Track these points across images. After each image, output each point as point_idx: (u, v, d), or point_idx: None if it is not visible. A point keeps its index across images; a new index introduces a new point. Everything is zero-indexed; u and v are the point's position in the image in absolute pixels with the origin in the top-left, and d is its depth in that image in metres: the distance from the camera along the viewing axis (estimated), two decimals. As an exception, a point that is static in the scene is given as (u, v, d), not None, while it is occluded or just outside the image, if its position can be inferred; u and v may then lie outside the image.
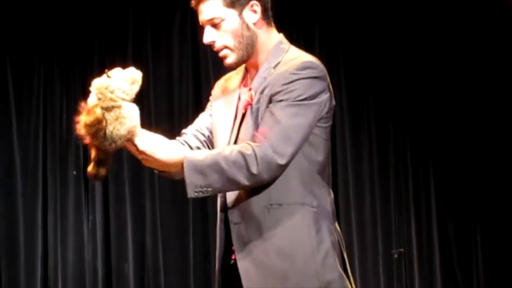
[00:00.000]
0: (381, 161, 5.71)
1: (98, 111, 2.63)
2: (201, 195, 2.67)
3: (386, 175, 5.70)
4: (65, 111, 5.55)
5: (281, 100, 2.71)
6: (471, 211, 5.70)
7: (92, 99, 2.65)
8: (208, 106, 3.00)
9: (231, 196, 2.76)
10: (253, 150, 2.65)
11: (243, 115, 2.78)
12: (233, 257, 2.80)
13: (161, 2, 5.65)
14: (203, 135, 2.94)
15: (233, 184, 2.67)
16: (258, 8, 2.80)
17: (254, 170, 2.65)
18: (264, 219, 2.73)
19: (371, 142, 5.72)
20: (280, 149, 2.68)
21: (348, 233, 5.60)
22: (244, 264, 2.75)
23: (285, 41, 2.87)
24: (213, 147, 2.90)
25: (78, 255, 5.46)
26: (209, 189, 2.65)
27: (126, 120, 2.66)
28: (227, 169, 2.64)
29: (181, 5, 5.57)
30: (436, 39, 5.72)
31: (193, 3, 2.81)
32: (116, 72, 2.68)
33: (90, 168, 2.74)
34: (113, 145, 2.67)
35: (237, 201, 2.75)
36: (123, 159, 5.41)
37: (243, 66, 2.90)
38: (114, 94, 2.64)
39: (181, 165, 2.65)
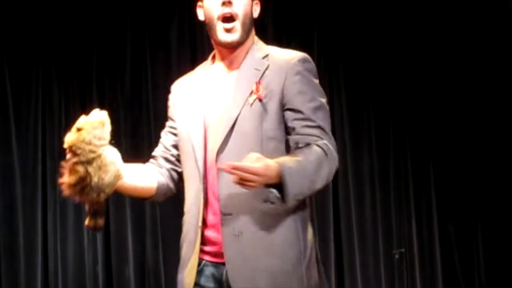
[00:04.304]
0: (381, 161, 5.70)
1: (80, 168, 2.61)
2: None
3: (386, 175, 5.69)
4: (63, 115, 5.53)
5: (305, 99, 2.78)
6: (472, 211, 5.69)
7: (70, 157, 2.63)
8: (168, 123, 3.04)
9: (225, 186, 2.76)
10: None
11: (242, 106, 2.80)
12: (202, 257, 2.82)
13: (159, 11, 5.64)
14: (172, 155, 2.99)
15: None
16: (258, 7, 2.94)
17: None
18: (258, 213, 2.74)
19: (371, 143, 5.71)
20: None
21: (348, 234, 5.59)
22: (231, 257, 2.75)
23: (261, 41, 2.98)
24: (180, 163, 2.95)
25: (78, 259, 5.45)
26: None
27: (109, 167, 2.65)
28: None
29: (179, 14, 5.57)
30: (435, 40, 5.73)
31: None
32: (84, 122, 2.65)
33: (87, 221, 2.77)
34: (102, 194, 2.67)
35: (232, 192, 2.74)
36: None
37: (202, 65, 3.00)
38: (92, 145, 2.62)
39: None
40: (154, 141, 5.24)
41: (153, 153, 3.03)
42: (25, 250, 5.40)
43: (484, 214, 5.68)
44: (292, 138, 2.77)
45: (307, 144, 2.74)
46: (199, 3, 2.95)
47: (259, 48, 2.91)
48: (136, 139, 5.40)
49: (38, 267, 5.40)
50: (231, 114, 2.79)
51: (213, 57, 2.98)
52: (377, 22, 5.72)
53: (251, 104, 2.79)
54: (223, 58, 2.92)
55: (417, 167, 5.72)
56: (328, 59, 5.72)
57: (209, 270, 2.82)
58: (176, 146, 2.98)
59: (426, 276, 5.65)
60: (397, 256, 5.57)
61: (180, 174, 2.97)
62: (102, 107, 5.47)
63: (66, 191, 2.65)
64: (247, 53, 2.89)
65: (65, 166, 2.64)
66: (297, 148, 2.75)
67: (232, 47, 2.88)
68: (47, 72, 5.55)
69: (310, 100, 2.79)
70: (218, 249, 2.80)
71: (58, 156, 5.50)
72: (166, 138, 3.03)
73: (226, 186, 2.75)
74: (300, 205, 2.78)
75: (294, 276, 2.75)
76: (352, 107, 5.73)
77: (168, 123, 3.05)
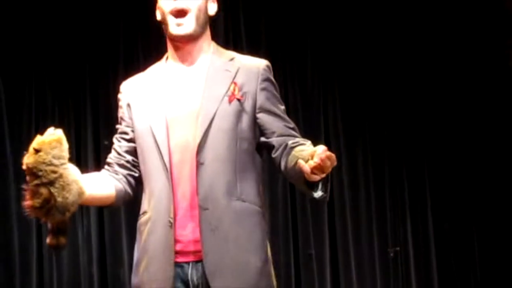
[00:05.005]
0: (376, 159, 5.70)
1: (44, 190, 2.58)
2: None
3: (381, 173, 5.69)
4: (57, 116, 5.53)
5: (276, 103, 2.92)
6: (467, 209, 5.69)
7: (31, 179, 2.60)
8: (120, 127, 3.03)
9: (204, 181, 2.78)
10: None
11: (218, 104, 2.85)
12: (177, 259, 2.80)
13: (151, 19, 5.64)
14: (127, 161, 2.98)
15: None
16: (215, 5, 2.99)
17: None
18: (231, 210, 2.79)
19: (365, 140, 5.71)
20: None
21: (343, 232, 5.59)
22: (209, 251, 2.76)
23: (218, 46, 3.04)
24: (136, 168, 2.95)
25: (73, 261, 5.44)
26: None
27: (72, 186, 2.64)
28: None
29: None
30: (428, 44, 5.76)
31: None
32: (41, 142, 2.62)
33: (49, 240, 2.74)
34: (67, 213, 2.65)
35: (210, 187, 2.78)
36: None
37: (154, 65, 3.03)
38: (53, 165, 2.59)
39: None
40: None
41: (108, 160, 3.03)
42: (19, 251, 5.39)
43: (478, 211, 5.68)
44: (277, 139, 2.87)
45: (300, 143, 2.83)
46: (157, 5, 2.99)
47: (221, 51, 2.98)
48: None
49: (33, 268, 5.39)
50: (209, 110, 2.83)
51: (167, 58, 3.01)
52: (369, 38, 5.75)
53: (229, 103, 2.85)
54: (178, 54, 2.95)
55: (411, 164, 5.72)
56: (322, 67, 5.74)
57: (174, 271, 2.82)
58: (129, 152, 2.98)
59: (421, 274, 5.64)
60: (392, 255, 5.57)
61: (136, 179, 2.98)
62: (96, 117, 5.52)
63: (31, 214, 2.62)
64: (203, 51, 2.93)
65: (27, 188, 2.61)
66: (288, 147, 2.83)
67: (186, 41, 2.91)
68: (41, 82, 5.56)
69: (280, 103, 2.94)
70: (183, 248, 2.81)
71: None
72: (119, 144, 3.02)
73: (205, 180, 2.79)
74: (259, 204, 2.87)
75: (264, 273, 2.82)
76: (346, 105, 5.73)
77: (120, 128, 3.03)
